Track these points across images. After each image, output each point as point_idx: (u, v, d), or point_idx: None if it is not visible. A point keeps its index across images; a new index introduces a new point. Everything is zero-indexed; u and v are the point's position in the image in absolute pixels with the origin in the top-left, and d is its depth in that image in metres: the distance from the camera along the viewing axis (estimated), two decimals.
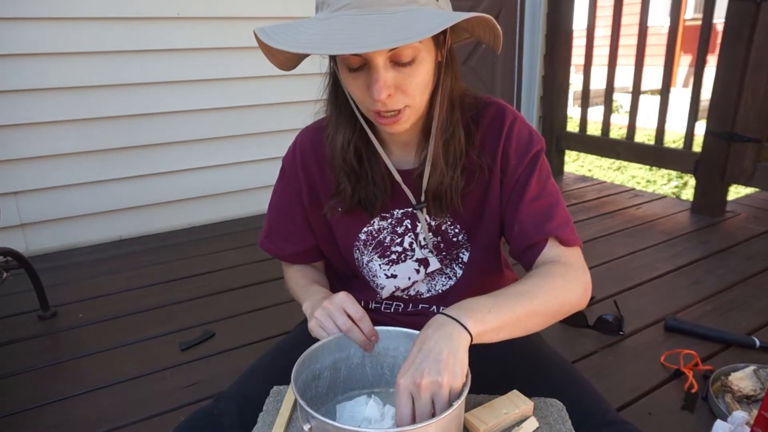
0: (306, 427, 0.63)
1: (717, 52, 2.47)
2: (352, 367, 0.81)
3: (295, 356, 0.73)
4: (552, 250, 0.83)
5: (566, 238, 0.83)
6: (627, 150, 3.10)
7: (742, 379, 1.32)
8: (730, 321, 1.71)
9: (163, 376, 1.53)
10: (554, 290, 0.76)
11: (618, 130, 4.96)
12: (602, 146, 3.27)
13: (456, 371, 0.63)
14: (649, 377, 1.45)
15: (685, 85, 7.42)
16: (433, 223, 0.90)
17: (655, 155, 2.97)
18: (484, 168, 0.86)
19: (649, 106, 4.46)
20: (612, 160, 4.57)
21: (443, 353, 0.64)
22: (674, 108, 3.24)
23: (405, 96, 0.74)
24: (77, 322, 1.83)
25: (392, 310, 0.99)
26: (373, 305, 0.99)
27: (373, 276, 0.96)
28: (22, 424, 1.35)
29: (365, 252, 0.94)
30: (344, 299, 0.79)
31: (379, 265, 0.94)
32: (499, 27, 0.74)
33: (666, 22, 2.88)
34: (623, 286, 1.97)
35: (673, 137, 4.62)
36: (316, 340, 0.78)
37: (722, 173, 2.60)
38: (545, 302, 0.75)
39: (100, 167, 2.48)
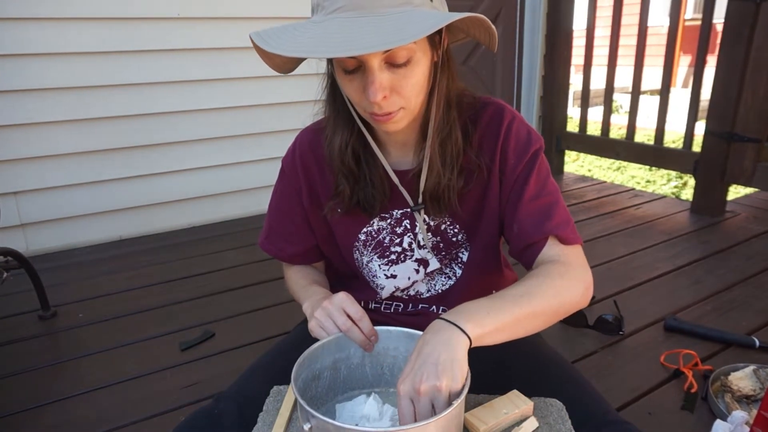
0: (306, 426, 0.63)
1: (717, 52, 2.47)
2: (352, 367, 0.82)
3: (295, 356, 0.73)
4: (552, 249, 0.83)
5: (566, 237, 0.83)
6: (627, 150, 3.10)
7: (742, 379, 1.32)
8: (730, 321, 1.71)
9: (163, 376, 1.53)
10: (554, 290, 0.76)
11: (618, 130, 4.96)
12: (602, 146, 3.27)
13: (455, 375, 0.64)
14: (648, 377, 1.45)
15: (685, 85, 7.43)
16: (432, 223, 0.90)
17: (655, 155, 2.97)
18: (482, 168, 0.86)
19: (648, 106, 4.46)
20: (612, 160, 4.57)
21: (441, 357, 0.64)
22: (674, 108, 3.24)
23: (400, 97, 0.74)
24: (77, 322, 1.83)
25: (392, 310, 0.99)
26: (373, 305, 1.00)
27: (373, 276, 0.96)
28: (22, 424, 1.35)
29: (365, 252, 0.94)
30: (344, 299, 0.79)
31: (379, 265, 0.94)
32: (493, 27, 0.74)
33: (666, 22, 2.88)
34: (623, 286, 1.97)
35: (673, 137, 4.62)
36: (316, 340, 0.78)
37: (722, 173, 2.60)
38: (545, 303, 0.75)
39: (100, 167, 2.49)
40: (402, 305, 0.99)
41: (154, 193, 2.64)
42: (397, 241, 0.92)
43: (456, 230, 0.91)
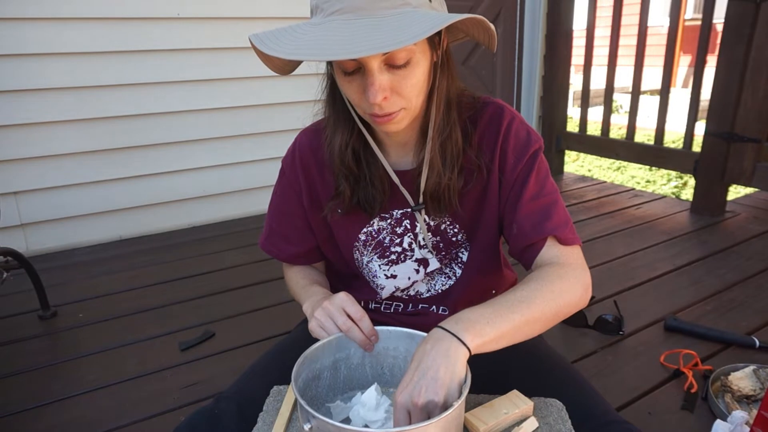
0: (306, 426, 0.63)
1: (717, 52, 2.47)
2: (352, 367, 0.82)
3: (295, 356, 0.73)
4: (551, 249, 0.83)
5: (565, 238, 0.83)
6: (627, 150, 3.10)
7: (742, 379, 1.32)
8: (730, 321, 1.71)
9: (163, 376, 1.53)
10: (552, 293, 0.76)
11: (618, 130, 4.96)
12: (602, 146, 3.27)
13: (453, 389, 0.64)
14: (648, 377, 1.45)
15: (685, 85, 7.43)
16: (432, 223, 0.90)
17: (655, 155, 2.97)
18: (482, 167, 0.86)
19: (648, 106, 4.47)
20: (612, 160, 4.57)
21: (440, 371, 0.64)
22: (674, 108, 3.24)
23: (401, 98, 0.74)
24: (77, 322, 1.83)
25: (392, 310, 0.99)
26: (373, 305, 1.00)
27: (373, 276, 0.96)
28: (22, 424, 1.35)
29: (365, 252, 0.94)
30: (344, 299, 0.80)
31: (379, 265, 0.94)
32: (492, 27, 0.74)
33: (666, 22, 2.88)
34: (623, 286, 1.97)
35: (673, 137, 4.62)
36: (316, 340, 0.78)
37: (722, 173, 2.60)
38: (544, 307, 0.75)
39: (100, 167, 2.49)
40: (402, 305, 0.99)
41: (154, 193, 2.64)
42: (398, 241, 0.92)
43: (456, 230, 0.91)
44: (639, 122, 3.06)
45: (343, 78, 0.74)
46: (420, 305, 0.97)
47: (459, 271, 0.95)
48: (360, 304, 0.81)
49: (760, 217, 2.66)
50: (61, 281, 2.13)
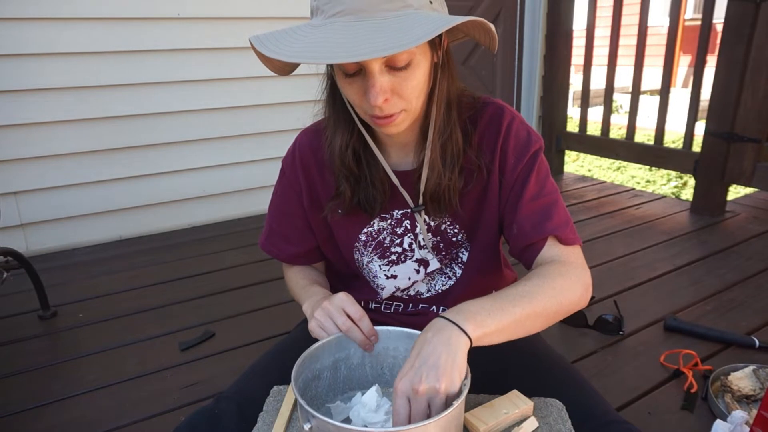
0: (306, 426, 0.63)
1: (716, 52, 2.47)
2: (352, 367, 0.82)
3: (295, 356, 0.73)
4: (551, 249, 0.83)
5: (565, 238, 0.83)
6: (627, 150, 3.10)
7: (742, 379, 1.32)
8: (730, 321, 1.71)
9: (163, 376, 1.53)
10: (554, 290, 0.76)
11: (618, 130, 4.96)
12: (602, 146, 3.27)
13: (454, 377, 0.64)
14: (648, 377, 1.45)
15: (685, 85, 7.43)
16: (432, 224, 0.90)
17: (655, 155, 2.97)
18: (482, 168, 0.86)
19: (648, 106, 4.46)
20: (612, 160, 4.57)
21: (441, 359, 0.64)
22: (674, 108, 3.24)
23: (401, 100, 0.74)
24: (77, 322, 1.83)
25: (392, 311, 0.99)
26: (373, 305, 1.00)
27: (373, 277, 0.96)
28: (22, 424, 1.35)
29: (365, 253, 0.94)
30: (344, 299, 0.80)
31: (379, 265, 0.94)
32: (494, 29, 0.74)
33: (666, 22, 2.88)
34: (623, 286, 1.97)
35: (673, 137, 4.62)
36: (316, 340, 0.78)
37: (722, 173, 2.60)
38: (545, 303, 0.75)
39: (100, 167, 2.49)
40: (402, 305, 0.99)
41: (154, 193, 2.64)
42: (398, 241, 0.92)
43: (456, 230, 0.91)
44: (639, 122, 3.06)
45: (343, 79, 0.74)
46: (420, 305, 0.97)
47: (459, 271, 0.95)
48: (360, 304, 0.81)
49: (760, 217, 2.66)
50: (61, 281, 2.13)
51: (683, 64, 7.54)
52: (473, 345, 0.68)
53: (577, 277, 0.80)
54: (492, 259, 0.96)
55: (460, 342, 0.66)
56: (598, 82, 3.36)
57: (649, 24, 2.88)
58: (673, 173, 4.21)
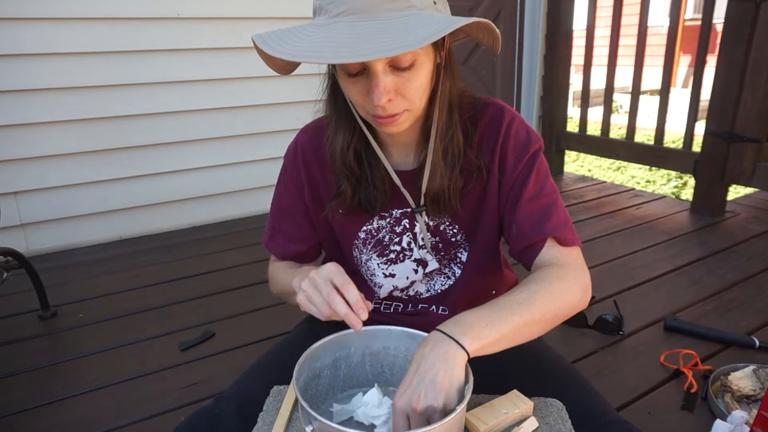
0: (308, 429, 0.63)
1: (716, 52, 2.47)
2: (352, 366, 0.82)
3: (295, 356, 0.73)
4: (550, 250, 0.83)
5: (564, 239, 0.83)
6: (627, 150, 3.10)
7: (742, 379, 1.32)
8: (730, 321, 1.71)
9: (163, 376, 1.53)
10: (552, 295, 0.76)
11: (618, 130, 4.96)
12: (602, 146, 3.27)
13: (452, 395, 0.64)
14: (648, 377, 1.45)
15: (685, 85, 7.43)
16: (431, 224, 0.90)
17: (655, 155, 2.97)
18: (482, 168, 0.86)
19: (648, 106, 4.46)
20: (612, 160, 4.57)
21: (439, 376, 0.64)
22: (674, 108, 3.24)
23: (404, 100, 0.74)
24: (77, 322, 1.83)
25: (392, 310, 0.99)
26: (373, 305, 1.00)
27: (372, 275, 0.96)
28: (22, 424, 1.35)
29: (364, 251, 0.94)
30: (332, 270, 0.75)
31: (378, 264, 0.94)
32: (497, 30, 0.74)
33: (666, 22, 2.88)
34: (623, 286, 1.97)
35: (673, 137, 4.62)
36: (317, 340, 0.77)
37: (722, 173, 2.60)
38: (543, 309, 0.74)
39: (100, 167, 2.49)
40: (402, 305, 0.99)
41: (154, 193, 2.64)
42: (397, 240, 0.92)
43: (455, 230, 0.91)
44: (639, 122, 3.06)
45: (346, 79, 0.74)
46: (420, 305, 0.97)
47: (458, 272, 0.95)
48: None
49: (760, 217, 2.66)
50: (61, 281, 2.13)
51: (683, 64, 7.54)
52: (471, 357, 0.68)
53: (575, 280, 0.80)
54: (491, 260, 0.96)
55: (457, 357, 0.66)
56: (598, 82, 3.36)
57: (649, 24, 2.88)
58: (673, 173, 4.22)
